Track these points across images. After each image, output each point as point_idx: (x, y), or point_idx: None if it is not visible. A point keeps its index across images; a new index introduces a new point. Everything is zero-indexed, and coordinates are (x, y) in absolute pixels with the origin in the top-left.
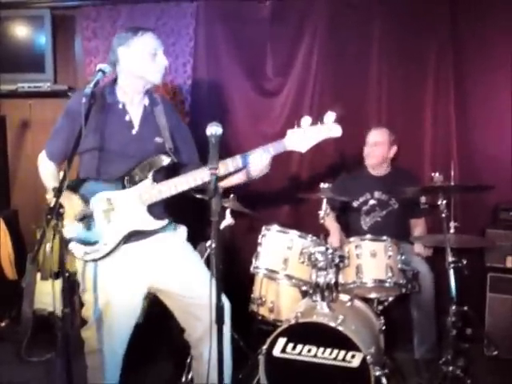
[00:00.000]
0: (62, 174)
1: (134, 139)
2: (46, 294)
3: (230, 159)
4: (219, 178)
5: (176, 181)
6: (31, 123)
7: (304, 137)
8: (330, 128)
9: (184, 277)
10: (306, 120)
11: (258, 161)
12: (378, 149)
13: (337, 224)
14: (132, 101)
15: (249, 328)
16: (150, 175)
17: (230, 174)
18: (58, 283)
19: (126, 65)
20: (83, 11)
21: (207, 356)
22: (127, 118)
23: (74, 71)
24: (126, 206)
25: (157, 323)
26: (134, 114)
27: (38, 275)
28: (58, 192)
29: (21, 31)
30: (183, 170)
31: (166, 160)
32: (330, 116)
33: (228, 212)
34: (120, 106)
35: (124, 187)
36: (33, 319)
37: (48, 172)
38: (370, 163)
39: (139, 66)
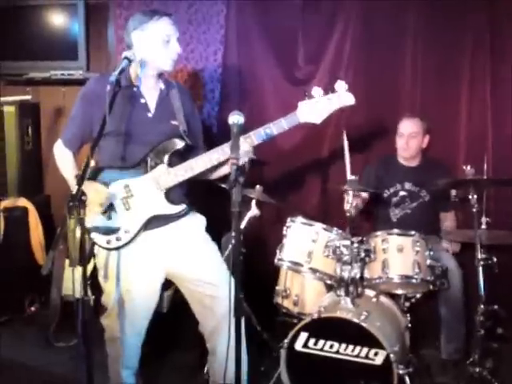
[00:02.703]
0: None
1: (150, 121)
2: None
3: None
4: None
5: (192, 163)
6: (64, 110)
7: (317, 107)
8: (342, 96)
9: (199, 265)
10: (318, 90)
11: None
12: (413, 141)
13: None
14: (146, 84)
15: (273, 320)
16: (166, 159)
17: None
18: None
19: (139, 49)
20: None
21: (221, 351)
22: (142, 100)
23: (107, 59)
24: (144, 191)
25: (182, 312)
26: (150, 98)
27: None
28: (81, 179)
29: (55, 19)
30: (192, 155)
31: (180, 143)
32: (341, 84)
33: (254, 203)
34: (135, 89)
35: (141, 173)
36: (61, 305)
37: (65, 160)
38: (405, 156)
39: (150, 51)
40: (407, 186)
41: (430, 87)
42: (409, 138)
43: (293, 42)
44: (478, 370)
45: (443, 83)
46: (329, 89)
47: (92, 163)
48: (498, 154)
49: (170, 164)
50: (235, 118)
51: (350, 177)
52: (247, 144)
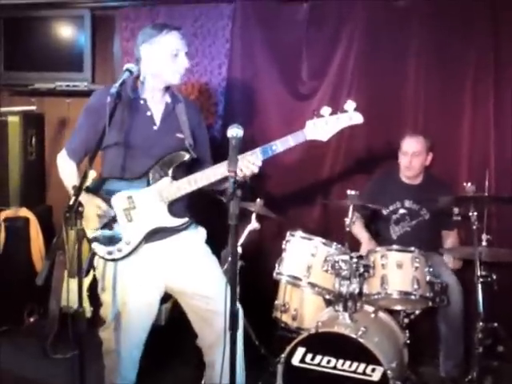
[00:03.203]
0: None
1: (155, 134)
2: (73, 292)
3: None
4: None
5: (196, 176)
6: (69, 121)
7: (325, 126)
8: (350, 116)
9: (198, 279)
10: (326, 110)
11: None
12: (417, 160)
13: (367, 233)
14: (153, 97)
15: (272, 334)
16: (170, 172)
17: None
18: (85, 281)
19: (147, 62)
20: (122, 11)
21: (220, 365)
22: (148, 113)
23: (112, 71)
24: (147, 204)
25: (180, 325)
26: (156, 111)
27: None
28: (78, 190)
29: (61, 31)
30: (197, 168)
31: (185, 156)
32: (351, 104)
33: (254, 216)
34: (142, 102)
35: (144, 185)
36: (59, 316)
37: (68, 171)
38: (408, 175)
39: (158, 64)
40: (407, 203)
41: (433, 103)
42: (412, 157)
43: (297, 57)
44: None
45: (446, 100)
46: (338, 108)
47: (93, 174)
48: (500, 171)
49: (175, 177)
50: (234, 131)
51: (350, 192)
52: (258, 159)
